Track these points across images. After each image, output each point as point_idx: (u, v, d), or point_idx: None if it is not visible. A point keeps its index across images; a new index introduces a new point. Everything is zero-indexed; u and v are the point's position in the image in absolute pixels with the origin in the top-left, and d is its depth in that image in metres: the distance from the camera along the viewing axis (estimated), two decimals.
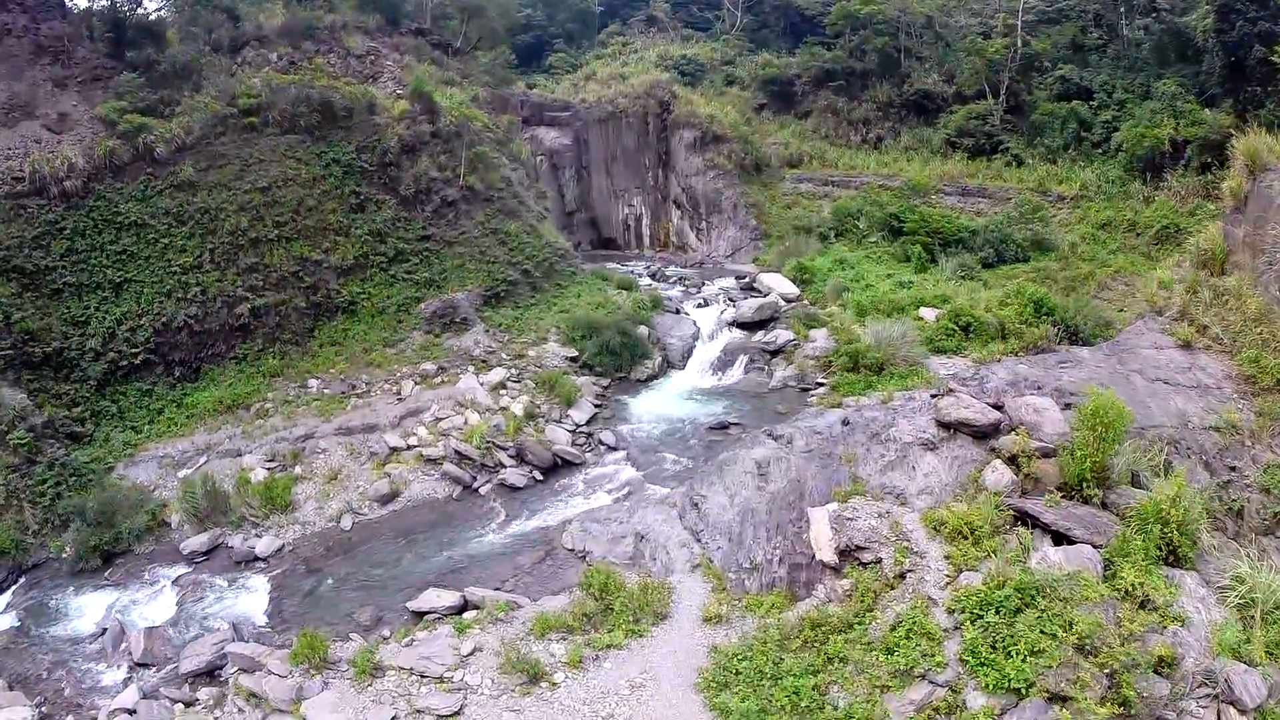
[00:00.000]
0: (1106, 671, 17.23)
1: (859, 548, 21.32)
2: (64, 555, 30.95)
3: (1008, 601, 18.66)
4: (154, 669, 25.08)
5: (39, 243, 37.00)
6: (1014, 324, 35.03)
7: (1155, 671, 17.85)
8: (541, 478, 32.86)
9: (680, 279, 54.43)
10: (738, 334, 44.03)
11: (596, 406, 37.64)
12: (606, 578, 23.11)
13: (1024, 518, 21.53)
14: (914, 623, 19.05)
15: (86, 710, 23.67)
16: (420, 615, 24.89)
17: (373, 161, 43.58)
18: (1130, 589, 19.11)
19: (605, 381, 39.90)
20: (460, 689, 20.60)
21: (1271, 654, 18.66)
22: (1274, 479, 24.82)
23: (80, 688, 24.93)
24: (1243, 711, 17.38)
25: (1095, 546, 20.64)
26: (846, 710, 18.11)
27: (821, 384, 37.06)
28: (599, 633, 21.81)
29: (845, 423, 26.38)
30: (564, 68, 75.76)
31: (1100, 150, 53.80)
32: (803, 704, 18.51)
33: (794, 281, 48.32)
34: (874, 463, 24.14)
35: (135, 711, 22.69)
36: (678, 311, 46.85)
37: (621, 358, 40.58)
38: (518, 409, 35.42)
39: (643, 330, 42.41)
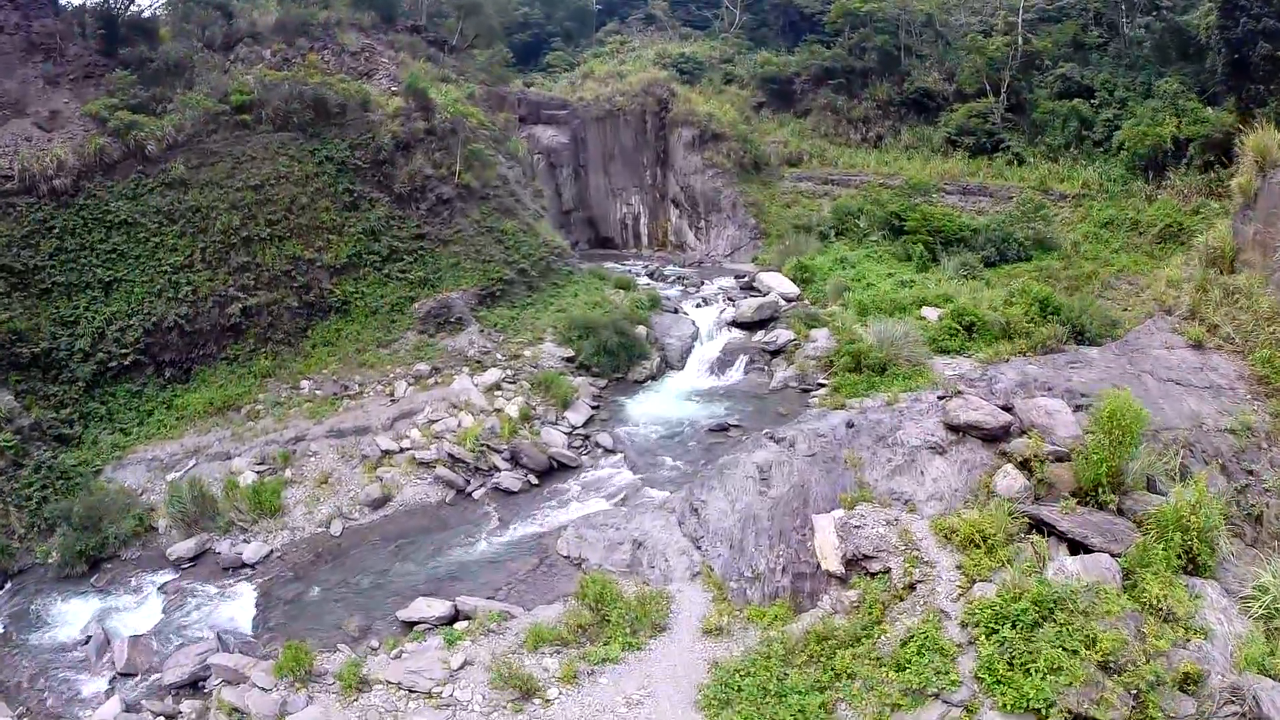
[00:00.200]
0: (1132, 692, 16.07)
1: (866, 557, 20.15)
2: (50, 560, 29.95)
3: (1025, 615, 17.49)
4: (137, 679, 24.13)
5: (28, 242, 36.07)
6: (1021, 323, 33.84)
7: (1180, 689, 16.72)
8: (537, 481, 31.66)
9: (679, 278, 53.22)
10: (737, 334, 42.88)
11: (593, 408, 36.38)
12: (602, 587, 21.94)
13: (1038, 525, 20.38)
14: (926, 637, 17.86)
15: None
16: (410, 625, 23.77)
17: (366, 159, 42.41)
18: (1155, 602, 17.92)
19: (602, 382, 38.64)
20: (450, 705, 19.51)
21: None
22: None
23: (62, 698, 24.01)
24: None
25: (1113, 555, 19.53)
26: None
27: (823, 384, 35.89)
28: (594, 645, 20.66)
29: (849, 425, 25.25)
30: (562, 66, 74.50)
31: (1102, 149, 52.86)
32: None
33: (794, 281, 47.18)
34: (880, 467, 22.98)
35: None
36: (676, 311, 45.62)
37: (619, 358, 39.34)
38: (513, 411, 34.19)
39: (641, 330, 41.20)
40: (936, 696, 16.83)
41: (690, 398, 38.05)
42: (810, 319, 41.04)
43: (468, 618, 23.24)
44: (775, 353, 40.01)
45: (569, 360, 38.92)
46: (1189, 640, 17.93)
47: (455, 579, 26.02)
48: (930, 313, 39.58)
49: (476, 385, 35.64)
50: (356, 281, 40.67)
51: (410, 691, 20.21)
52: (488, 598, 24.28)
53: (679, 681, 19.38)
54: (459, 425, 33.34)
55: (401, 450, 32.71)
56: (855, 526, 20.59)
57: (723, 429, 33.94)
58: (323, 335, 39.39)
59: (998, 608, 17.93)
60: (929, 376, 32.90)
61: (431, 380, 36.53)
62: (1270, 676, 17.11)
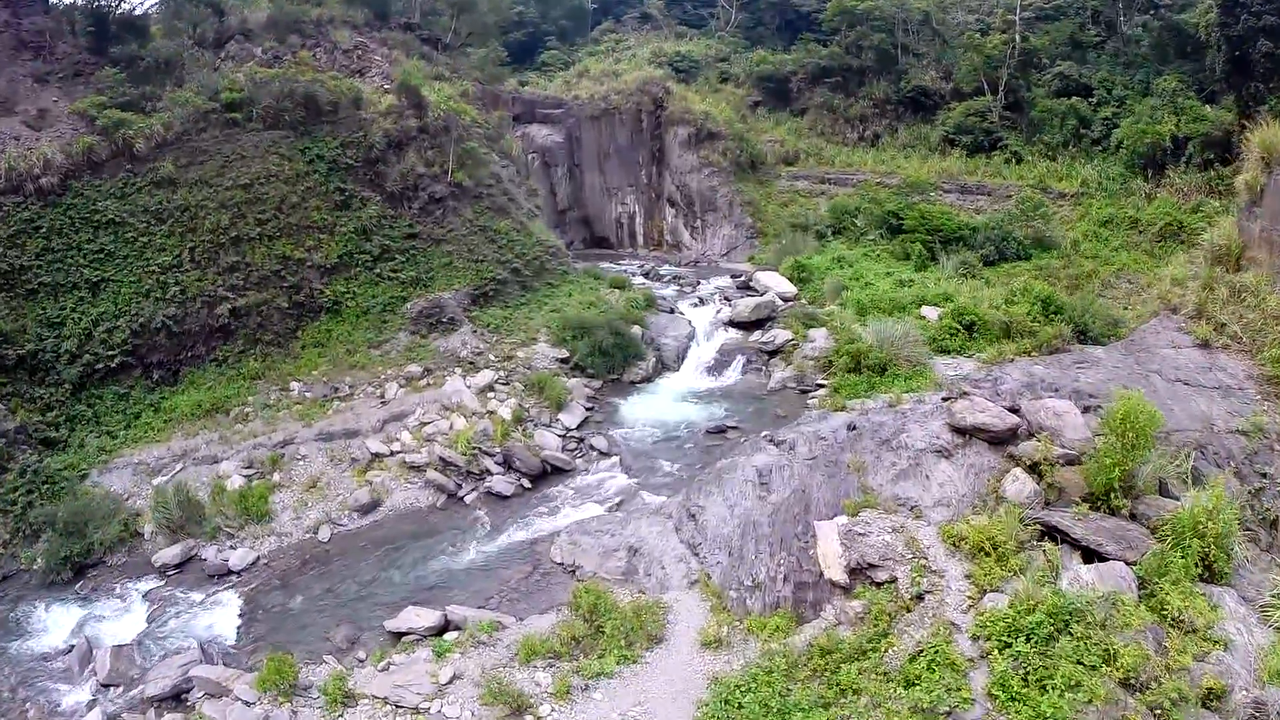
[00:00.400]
0: (1155, 711, 15.08)
1: (872, 565, 19.10)
2: (35, 567, 29.04)
3: (1039, 628, 16.50)
4: (120, 691, 23.18)
5: (14, 242, 35.14)
6: (1026, 323, 32.87)
7: (1204, 705, 15.73)
8: (530, 485, 30.61)
9: (675, 278, 52.29)
10: (734, 334, 41.91)
11: (588, 410, 35.31)
12: (597, 598, 20.93)
13: (1050, 532, 19.37)
14: (936, 651, 16.82)
15: None
16: (399, 636, 22.80)
17: (358, 157, 41.37)
18: (1178, 614, 16.92)
19: (597, 383, 37.57)
20: None
21: None
22: None
23: (44, 710, 23.09)
24: None
25: (1128, 563, 18.53)
26: None
27: (822, 385, 35.03)
28: (588, 659, 19.62)
29: (851, 428, 24.20)
30: (557, 65, 73.43)
31: (1100, 147, 52.35)
32: None
33: (791, 280, 46.23)
34: (884, 472, 21.92)
35: None
36: (672, 311, 44.63)
37: (614, 359, 38.30)
38: (506, 413, 33.16)
39: (636, 330, 40.19)
40: (948, 715, 15.77)
41: (687, 399, 37.04)
42: (808, 319, 40.13)
43: (458, 628, 22.26)
44: (773, 353, 39.07)
45: (563, 361, 37.88)
46: (1208, 652, 16.96)
47: (445, 587, 25.06)
48: (930, 312, 38.75)
49: (469, 387, 34.61)
50: (347, 281, 39.57)
51: (397, 707, 19.25)
52: (479, 607, 23.32)
53: (676, 697, 18.36)
54: (451, 428, 32.30)
55: (392, 453, 31.68)
56: (859, 534, 19.55)
57: (720, 431, 33.00)
58: (313, 336, 38.27)
59: (1011, 620, 16.95)
60: (930, 377, 32.07)
61: (423, 382, 35.47)
62: None
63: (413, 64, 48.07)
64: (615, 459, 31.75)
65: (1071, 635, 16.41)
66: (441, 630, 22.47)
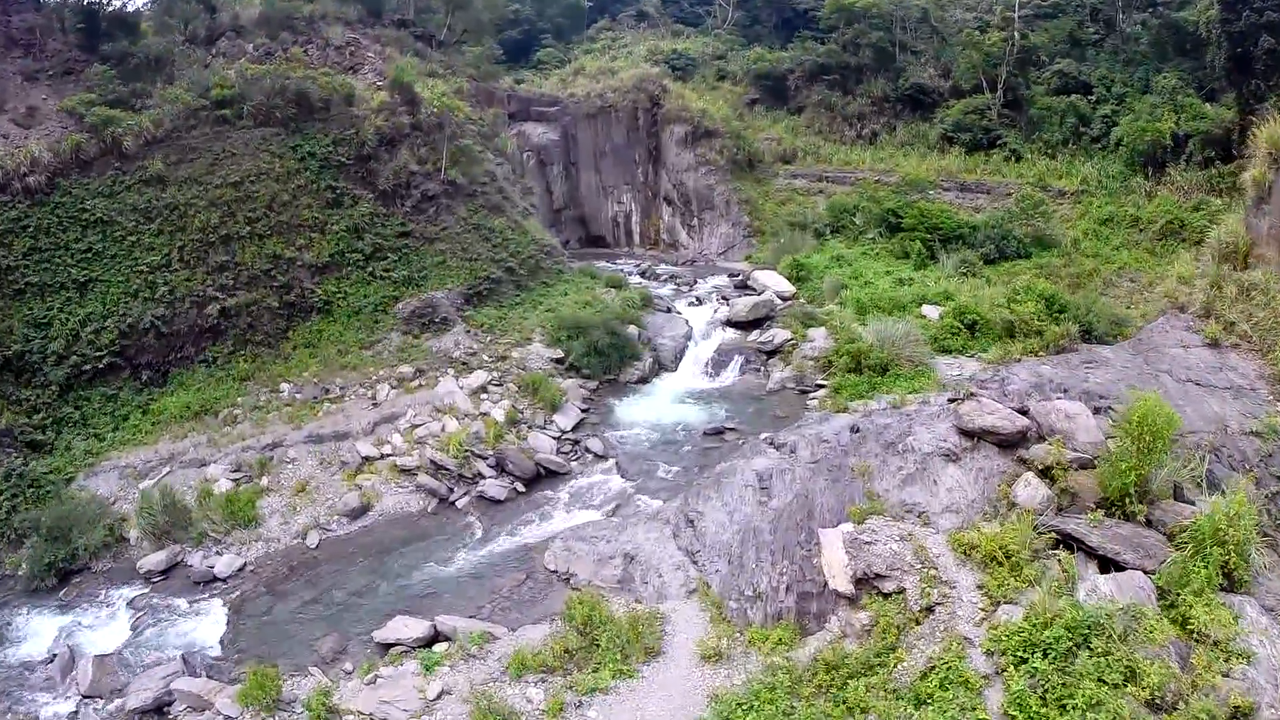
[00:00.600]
0: None
1: (879, 575, 18.03)
2: (19, 573, 28.19)
3: (1058, 643, 15.46)
4: (102, 702, 22.29)
5: (1, 241, 34.52)
6: (1033, 322, 31.84)
7: None
8: (523, 489, 29.55)
9: (671, 277, 51.21)
10: (732, 333, 40.83)
11: (583, 411, 34.21)
12: (591, 608, 19.87)
13: (1065, 540, 18.34)
14: (949, 668, 15.76)
15: None
16: (387, 647, 21.80)
17: (350, 155, 40.42)
18: (1203, 627, 15.88)
19: (593, 384, 36.46)
20: None
21: None
22: None
23: None
24: None
25: (1147, 573, 17.52)
26: None
27: (822, 385, 34.07)
28: (582, 673, 18.57)
29: (855, 430, 23.15)
30: (552, 63, 72.23)
31: (1099, 145, 51.44)
32: None
33: (789, 279, 45.15)
34: (890, 476, 20.85)
35: None
36: (669, 310, 43.55)
37: (610, 359, 37.20)
38: (499, 414, 32.10)
39: (632, 330, 39.11)
40: None
41: (684, 400, 36.00)
42: (807, 318, 39.13)
43: (448, 639, 21.30)
44: (771, 353, 38.03)
45: (558, 362, 36.80)
46: (1232, 667, 15.93)
47: (435, 595, 24.11)
48: (930, 311, 37.85)
49: (462, 388, 33.55)
50: (339, 281, 38.56)
51: None
52: (469, 616, 22.37)
53: (675, 715, 17.31)
54: (443, 430, 31.26)
55: (383, 456, 30.64)
56: (866, 542, 18.48)
57: (719, 432, 32.02)
58: (304, 336, 37.26)
59: (1026, 634, 15.91)
60: (933, 377, 31.20)
61: (415, 383, 34.41)
62: None
63: (406, 61, 47.09)
64: (611, 462, 30.75)
65: (1091, 650, 15.40)
66: (431, 641, 21.52)
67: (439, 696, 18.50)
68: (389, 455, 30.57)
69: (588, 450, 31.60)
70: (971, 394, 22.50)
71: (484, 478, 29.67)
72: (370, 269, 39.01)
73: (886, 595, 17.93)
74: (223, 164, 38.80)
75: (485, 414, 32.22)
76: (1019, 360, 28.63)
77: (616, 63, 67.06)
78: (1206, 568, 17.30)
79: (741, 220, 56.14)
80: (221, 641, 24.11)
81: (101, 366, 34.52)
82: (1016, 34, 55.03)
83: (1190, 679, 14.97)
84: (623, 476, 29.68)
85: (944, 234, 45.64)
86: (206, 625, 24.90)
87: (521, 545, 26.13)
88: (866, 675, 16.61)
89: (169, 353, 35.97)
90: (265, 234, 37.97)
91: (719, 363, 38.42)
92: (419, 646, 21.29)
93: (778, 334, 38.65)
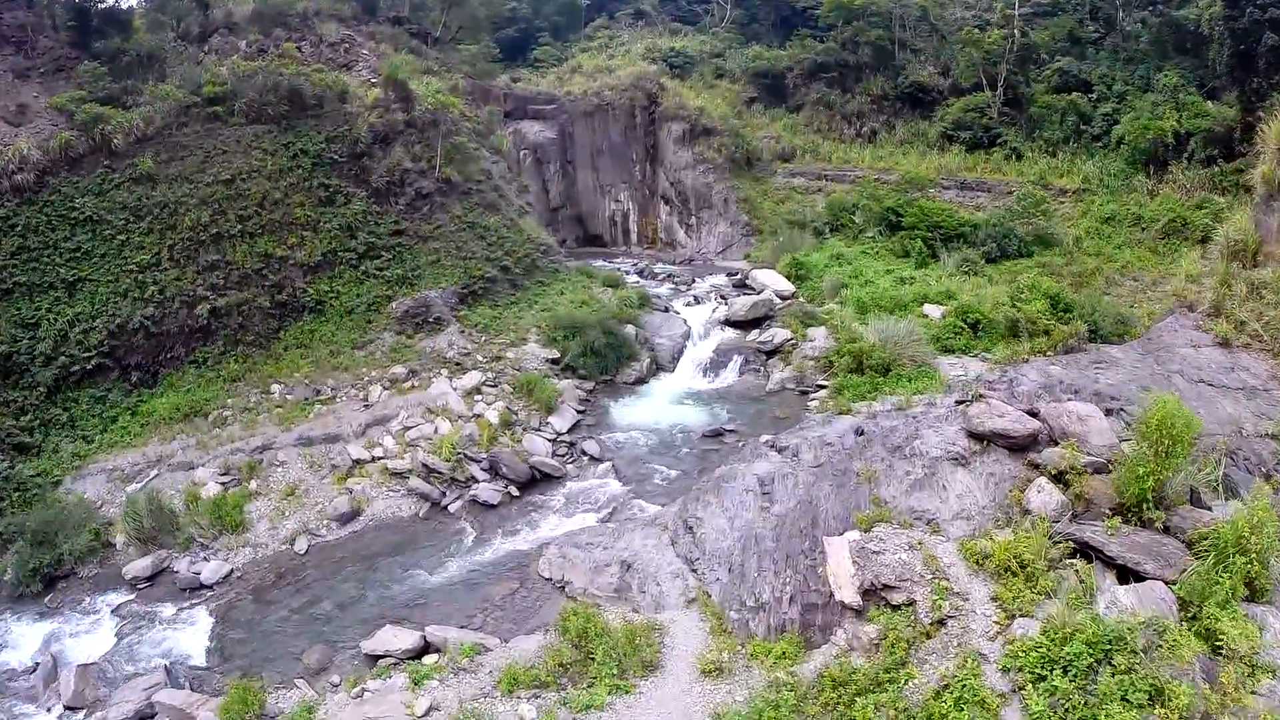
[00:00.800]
0: None
1: (887, 586, 17.00)
2: (4, 578, 27.21)
3: (1078, 660, 14.46)
4: (84, 713, 21.47)
5: None
6: (1041, 321, 30.89)
7: None
8: (517, 493, 28.48)
9: (669, 276, 50.29)
10: (731, 333, 39.86)
11: (579, 413, 33.18)
12: (586, 620, 18.80)
13: (1082, 548, 17.34)
14: (964, 686, 14.70)
15: None
16: (375, 658, 20.79)
17: (343, 152, 39.47)
18: (1231, 643, 14.87)
19: (589, 385, 35.38)
20: None
21: None
22: None
23: None
24: None
25: (1167, 583, 16.52)
26: None
27: (823, 386, 33.16)
28: (577, 689, 17.50)
29: (859, 433, 22.14)
30: (549, 61, 71.10)
31: (1100, 143, 50.86)
32: None
33: (789, 278, 44.26)
34: (898, 481, 19.82)
35: None
36: (667, 310, 42.55)
37: (607, 359, 36.15)
38: (493, 416, 31.00)
39: (630, 330, 38.08)
40: None
41: (682, 401, 34.99)
42: (807, 317, 38.21)
43: (438, 650, 20.27)
44: (771, 353, 37.08)
45: (554, 362, 35.76)
46: (1259, 682, 14.95)
47: (426, 604, 23.08)
48: (932, 310, 37.03)
49: (455, 389, 32.50)
50: (331, 280, 37.55)
51: None
52: (461, 626, 21.33)
53: None
54: (435, 432, 30.20)
55: (374, 459, 29.58)
56: (874, 551, 17.44)
57: (718, 434, 31.07)
58: (295, 336, 36.26)
59: (1045, 649, 14.90)
60: (936, 378, 30.33)
61: (408, 384, 33.37)
62: None
63: (401, 57, 46.08)
64: (608, 465, 29.71)
65: (1114, 668, 14.39)
66: (421, 653, 20.52)
67: (427, 713, 17.44)
68: (380, 458, 29.52)
69: (584, 453, 30.58)
70: (980, 396, 21.52)
71: (477, 481, 28.62)
72: (363, 268, 38.00)
73: (895, 607, 16.88)
74: (214, 162, 37.94)
75: (479, 416, 31.18)
76: (1027, 360, 27.68)
77: (614, 61, 65.98)
78: (1230, 578, 16.32)
79: (740, 219, 55.19)
80: (206, 651, 23.15)
81: (90, 367, 33.64)
82: (1017, 32, 54.24)
83: (1219, 698, 13.97)
84: (620, 480, 28.66)
85: (945, 232, 44.77)
86: (191, 634, 23.94)
87: (515, 551, 25.07)
88: (875, 692, 15.56)
89: (159, 353, 35.04)
90: (257, 232, 37.06)
91: (718, 363, 37.44)
92: (408, 658, 20.31)
93: (777, 333, 37.70)
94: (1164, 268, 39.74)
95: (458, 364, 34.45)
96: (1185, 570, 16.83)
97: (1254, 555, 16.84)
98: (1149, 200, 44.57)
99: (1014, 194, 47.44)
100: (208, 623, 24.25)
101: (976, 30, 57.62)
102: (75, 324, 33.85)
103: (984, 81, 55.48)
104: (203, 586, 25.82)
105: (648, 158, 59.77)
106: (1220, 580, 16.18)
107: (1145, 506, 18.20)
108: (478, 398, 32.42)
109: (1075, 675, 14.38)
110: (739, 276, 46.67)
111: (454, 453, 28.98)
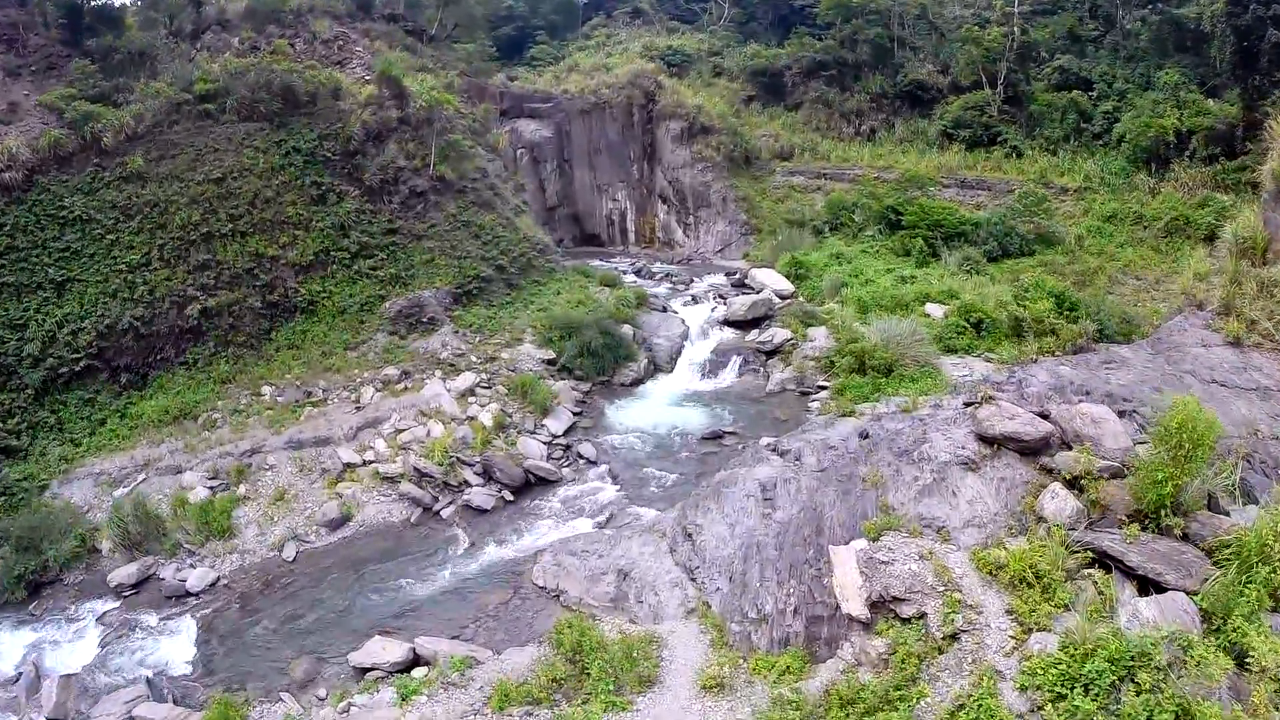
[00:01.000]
0: None
1: (897, 598, 16.06)
2: None
3: (1101, 678, 13.54)
4: None
5: None
6: (1049, 320, 29.93)
7: None
8: (511, 498, 27.46)
9: (667, 275, 49.32)
10: (730, 333, 38.90)
11: (575, 414, 32.17)
12: (581, 634, 17.85)
13: (1100, 558, 16.39)
14: (980, 706, 13.75)
15: None
16: (363, 671, 19.87)
17: (336, 150, 38.47)
18: (1263, 660, 13.90)
19: (585, 386, 34.35)
20: None
21: None
22: None
23: None
24: None
25: (1189, 594, 15.58)
26: None
27: (824, 387, 32.21)
28: (571, 705, 16.54)
29: (864, 436, 21.21)
30: (546, 60, 70.08)
31: (1101, 142, 50.14)
32: None
33: (788, 277, 43.35)
34: (906, 487, 18.86)
35: None
36: (665, 309, 41.54)
37: (603, 360, 35.09)
38: (486, 418, 29.99)
39: (627, 330, 37.05)
40: None
41: (680, 402, 34.01)
42: (807, 317, 37.28)
43: (427, 663, 19.33)
44: (771, 353, 36.11)
45: (549, 363, 34.75)
46: None
47: (416, 614, 22.18)
48: (934, 309, 36.12)
49: (449, 391, 31.51)
50: (323, 280, 36.60)
51: None
52: (452, 637, 20.43)
53: None
54: (428, 435, 29.21)
55: (365, 463, 28.60)
56: (882, 561, 16.48)
57: (717, 436, 30.12)
58: (287, 337, 35.34)
59: (1065, 666, 13.98)
60: (939, 378, 29.38)
61: (401, 385, 32.38)
62: None
63: (395, 54, 45.07)
64: (604, 468, 28.75)
65: (1137, 685, 13.48)
66: (410, 665, 19.64)
67: None
68: (371, 462, 28.54)
69: (579, 456, 29.60)
70: (989, 397, 20.58)
71: (470, 486, 27.65)
72: (356, 267, 37.02)
73: (905, 620, 15.93)
74: (205, 160, 37.04)
75: (472, 418, 30.18)
76: (1035, 360, 26.69)
77: (611, 59, 64.96)
78: (1255, 588, 15.38)
79: (738, 218, 54.21)
80: (191, 662, 22.24)
81: (79, 369, 32.77)
82: (1016, 29, 53.36)
83: None
84: (616, 484, 27.70)
85: (946, 231, 43.86)
86: (176, 644, 23.06)
87: (508, 559, 24.13)
88: (885, 711, 14.63)
89: (148, 354, 34.16)
90: (248, 232, 36.14)
91: (716, 363, 36.49)
92: (397, 671, 19.43)
93: (777, 333, 36.74)
94: (1167, 266, 39.02)
95: (451, 365, 33.47)
96: (1206, 580, 15.93)
97: (1278, 564, 15.92)
98: (1150, 199, 43.87)
99: (1015, 192, 46.56)
100: (193, 632, 23.37)
101: (976, 28, 56.80)
102: (64, 325, 33.04)
103: (984, 79, 54.64)
104: (188, 594, 24.93)
105: (645, 156, 58.76)
106: (1245, 591, 15.26)
107: (1163, 513, 17.30)
108: (471, 399, 31.44)
109: (1097, 694, 13.47)
110: (738, 276, 45.78)
111: (447, 456, 28.03)
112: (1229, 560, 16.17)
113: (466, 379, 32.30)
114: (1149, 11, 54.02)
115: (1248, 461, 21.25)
